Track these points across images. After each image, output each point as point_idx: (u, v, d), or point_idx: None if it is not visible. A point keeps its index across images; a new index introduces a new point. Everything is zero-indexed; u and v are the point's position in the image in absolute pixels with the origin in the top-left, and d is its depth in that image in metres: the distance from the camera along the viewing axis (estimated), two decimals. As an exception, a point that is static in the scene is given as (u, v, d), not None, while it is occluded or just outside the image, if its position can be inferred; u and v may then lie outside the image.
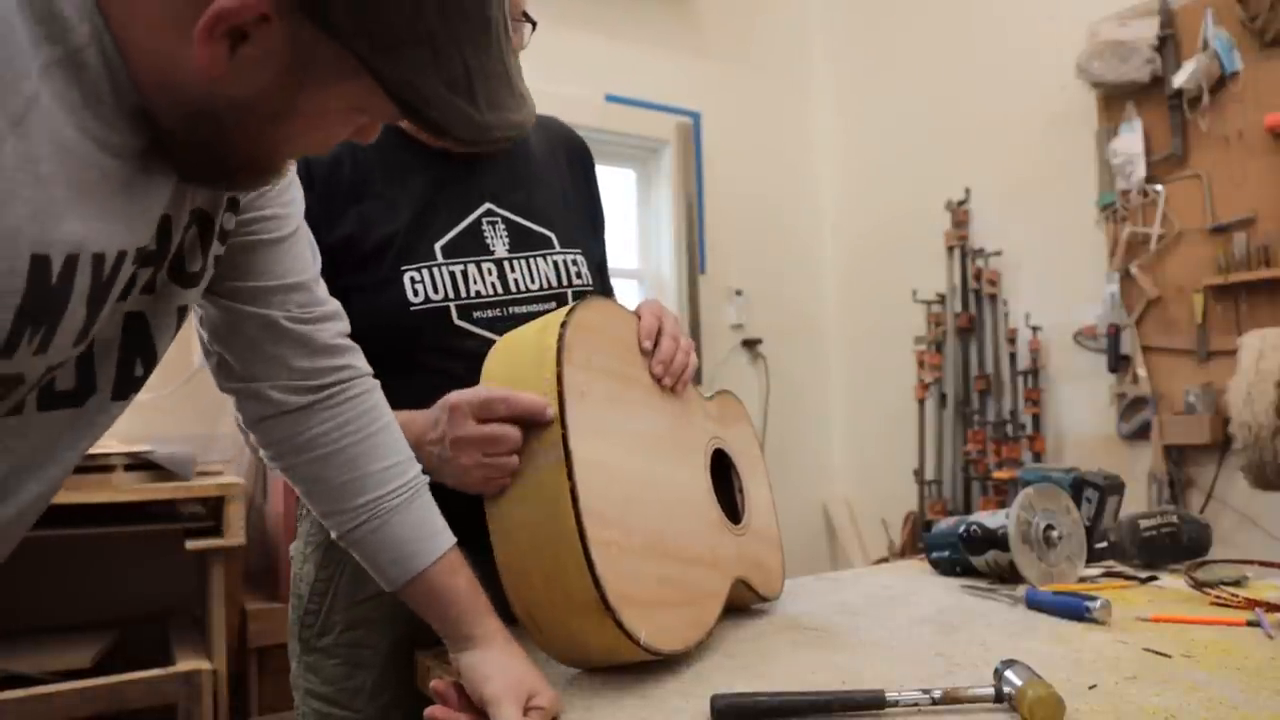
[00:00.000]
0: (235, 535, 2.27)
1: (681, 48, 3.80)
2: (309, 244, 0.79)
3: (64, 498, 1.96)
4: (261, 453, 0.82)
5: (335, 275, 1.01)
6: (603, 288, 1.25)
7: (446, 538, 0.82)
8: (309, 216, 1.01)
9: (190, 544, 2.23)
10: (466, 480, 0.84)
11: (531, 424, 0.82)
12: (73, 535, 2.03)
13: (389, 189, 1.04)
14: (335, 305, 0.81)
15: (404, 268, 1.01)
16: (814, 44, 4.19)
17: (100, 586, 2.36)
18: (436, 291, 1.01)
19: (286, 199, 0.75)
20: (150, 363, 0.66)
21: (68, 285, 0.51)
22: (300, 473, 0.81)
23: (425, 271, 1.01)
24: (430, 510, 0.83)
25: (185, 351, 2.50)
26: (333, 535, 0.82)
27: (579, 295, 1.09)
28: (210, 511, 2.33)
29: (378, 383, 0.84)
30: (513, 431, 0.82)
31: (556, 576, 0.77)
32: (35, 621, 2.23)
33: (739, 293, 3.82)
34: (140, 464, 2.21)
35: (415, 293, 1.00)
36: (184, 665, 2.06)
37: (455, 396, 0.87)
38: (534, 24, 1.05)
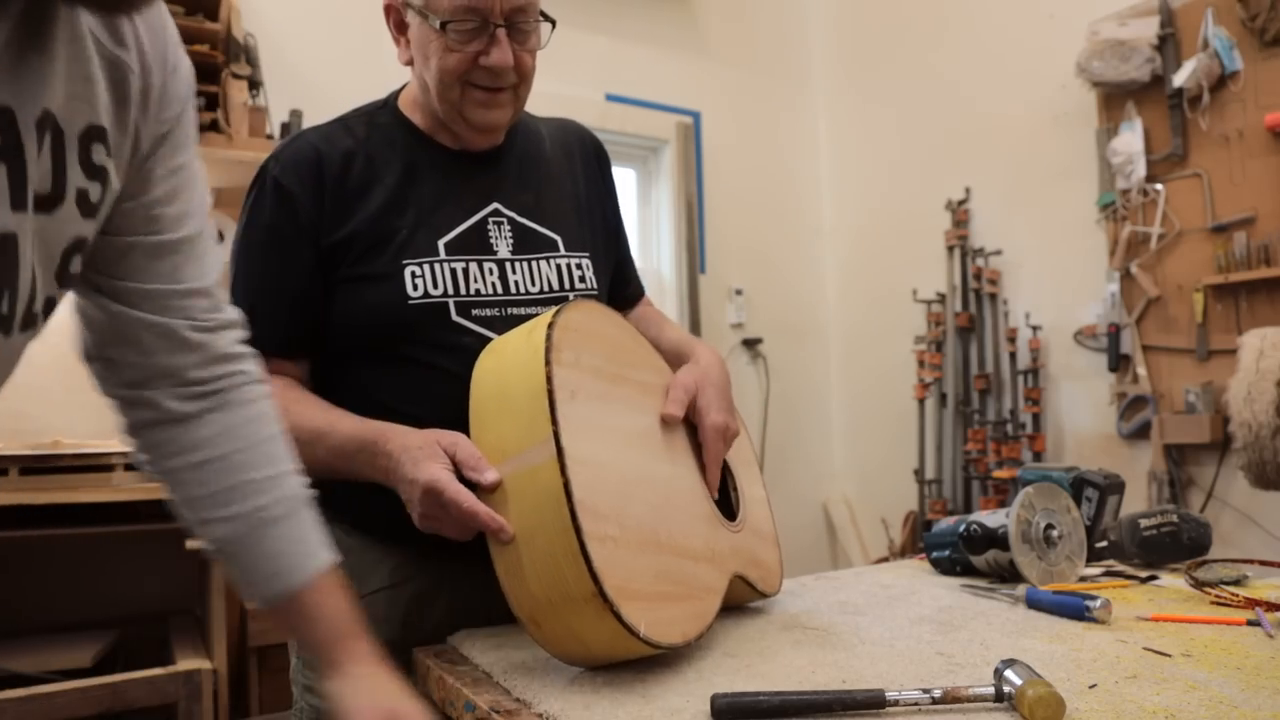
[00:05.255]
0: (235, 534, 2.26)
1: (681, 48, 3.80)
2: (213, 249, 0.76)
3: (64, 497, 1.96)
4: (139, 458, 0.79)
5: (336, 268, 1.01)
6: (625, 284, 1.26)
7: (325, 557, 0.78)
8: (312, 217, 1.00)
9: (190, 544, 2.21)
10: (409, 507, 0.88)
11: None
12: (73, 535, 2.02)
13: (400, 187, 1.05)
14: (236, 313, 0.78)
15: (405, 262, 1.01)
16: (814, 44, 4.19)
17: (100, 586, 2.35)
18: (436, 287, 1.01)
19: (193, 195, 0.72)
20: (14, 300, 0.58)
21: None
22: (180, 477, 0.77)
23: (426, 267, 1.02)
24: (311, 527, 0.79)
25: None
26: (207, 545, 0.78)
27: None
28: (210, 511, 2.32)
29: (269, 390, 0.81)
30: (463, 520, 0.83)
31: (554, 573, 0.78)
32: (35, 621, 2.23)
33: (739, 292, 3.82)
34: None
35: (415, 287, 1.00)
36: (184, 665, 2.05)
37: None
38: (553, 23, 1.05)
